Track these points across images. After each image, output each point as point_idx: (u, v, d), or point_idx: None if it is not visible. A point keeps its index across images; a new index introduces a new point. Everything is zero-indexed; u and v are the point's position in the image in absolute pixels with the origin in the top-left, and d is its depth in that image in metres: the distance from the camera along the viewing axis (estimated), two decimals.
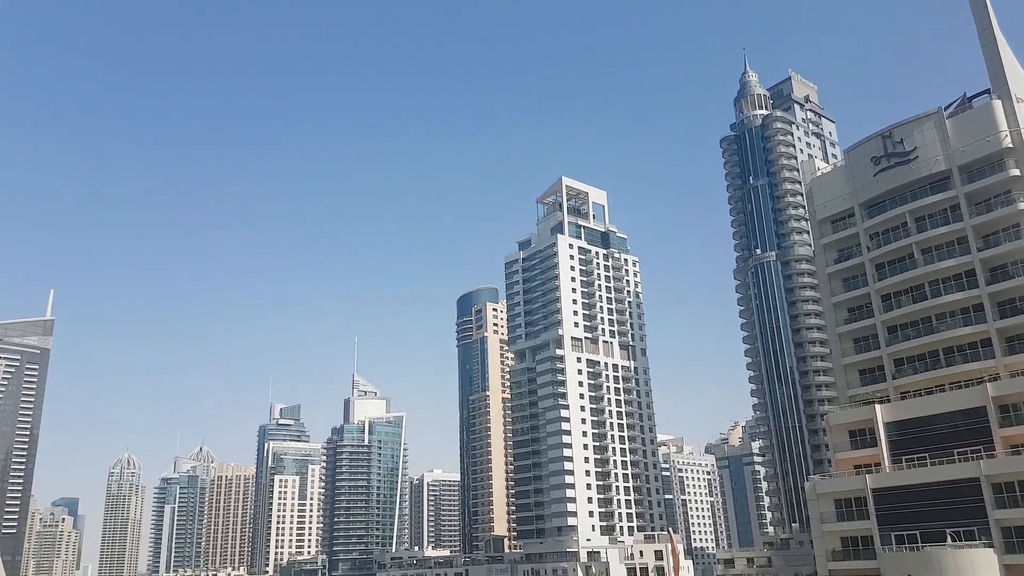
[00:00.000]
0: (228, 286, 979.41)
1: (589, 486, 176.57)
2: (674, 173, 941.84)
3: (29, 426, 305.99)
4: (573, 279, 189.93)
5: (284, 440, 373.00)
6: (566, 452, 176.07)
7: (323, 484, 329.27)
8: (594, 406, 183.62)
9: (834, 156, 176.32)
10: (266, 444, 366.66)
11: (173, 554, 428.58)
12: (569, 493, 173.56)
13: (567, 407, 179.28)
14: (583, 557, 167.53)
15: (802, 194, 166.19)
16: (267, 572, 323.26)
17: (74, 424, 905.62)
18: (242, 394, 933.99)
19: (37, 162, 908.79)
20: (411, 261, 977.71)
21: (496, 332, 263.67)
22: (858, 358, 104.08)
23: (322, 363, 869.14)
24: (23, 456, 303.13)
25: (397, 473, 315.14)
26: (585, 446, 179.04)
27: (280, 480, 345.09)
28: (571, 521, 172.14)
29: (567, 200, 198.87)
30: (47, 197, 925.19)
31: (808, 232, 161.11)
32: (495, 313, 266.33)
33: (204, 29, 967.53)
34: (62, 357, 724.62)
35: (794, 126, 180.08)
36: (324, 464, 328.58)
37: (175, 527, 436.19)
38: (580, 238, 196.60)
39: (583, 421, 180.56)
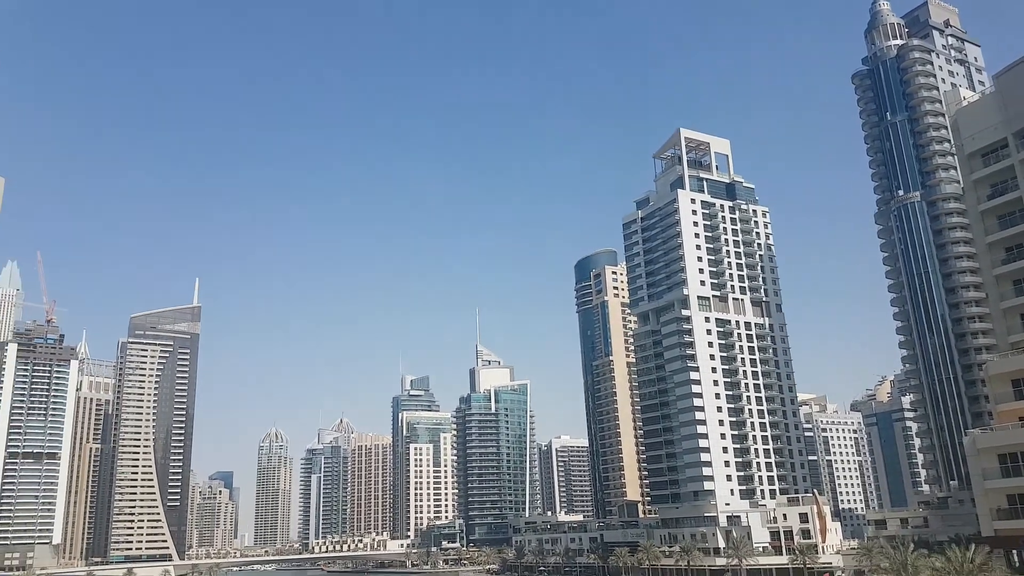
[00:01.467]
0: (356, 265, 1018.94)
1: (725, 449, 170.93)
2: (803, 116, 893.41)
3: (185, 406, 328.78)
4: (697, 235, 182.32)
5: (416, 410, 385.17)
6: (698, 415, 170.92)
7: (455, 451, 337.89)
8: (726, 367, 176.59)
9: (981, 83, 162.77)
10: (400, 414, 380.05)
11: (321, 521, 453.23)
12: (704, 457, 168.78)
13: (697, 369, 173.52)
14: (722, 521, 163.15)
15: (946, 127, 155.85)
16: (409, 536, 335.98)
17: (224, 403, 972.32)
18: (375, 367, 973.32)
19: (177, 162, 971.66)
20: (527, 228, 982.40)
21: (617, 295, 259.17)
22: (1019, 301, 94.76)
23: (446, 334, 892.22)
24: (181, 434, 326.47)
25: (525, 440, 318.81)
26: (719, 408, 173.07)
27: (415, 448, 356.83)
28: (708, 485, 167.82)
29: (686, 152, 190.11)
30: (188, 191, 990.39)
31: (955, 168, 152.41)
32: (615, 276, 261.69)
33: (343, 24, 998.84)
34: (209, 341, 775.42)
35: (933, 54, 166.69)
36: (455, 432, 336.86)
37: (322, 496, 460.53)
38: (702, 191, 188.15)
39: (715, 383, 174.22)
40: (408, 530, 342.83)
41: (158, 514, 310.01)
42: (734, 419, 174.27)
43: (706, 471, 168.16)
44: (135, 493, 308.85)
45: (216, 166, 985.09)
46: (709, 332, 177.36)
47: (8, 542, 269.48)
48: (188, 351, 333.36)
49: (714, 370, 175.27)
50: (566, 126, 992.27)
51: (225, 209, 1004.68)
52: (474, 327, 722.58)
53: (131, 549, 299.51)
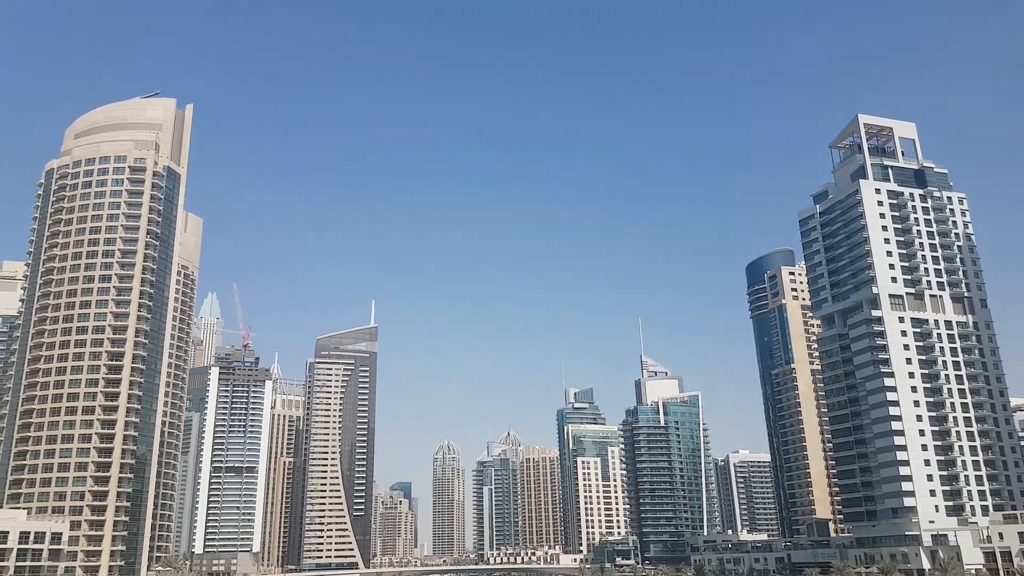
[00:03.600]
0: (517, 278, 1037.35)
1: (928, 462, 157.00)
2: (1001, 88, 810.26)
3: (367, 420, 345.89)
4: (884, 228, 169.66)
5: (581, 423, 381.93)
6: (895, 425, 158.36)
7: (624, 466, 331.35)
8: (925, 371, 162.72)
9: None
10: (565, 427, 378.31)
11: (495, 532, 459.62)
12: (903, 471, 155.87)
13: (891, 375, 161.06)
14: (927, 541, 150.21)
15: None
16: (581, 551, 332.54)
17: (400, 416, 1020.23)
18: (538, 380, 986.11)
19: (353, 191, 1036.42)
20: (689, 232, 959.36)
21: (796, 298, 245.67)
22: None
23: (608, 346, 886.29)
24: (364, 447, 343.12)
25: (699, 454, 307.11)
26: (918, 417, 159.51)
27: (583, 462, 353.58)
28: (908, 502, 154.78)
29: (867, 140, 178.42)
30: (363, 217, 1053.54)
31: None
32: (792, 277, 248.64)
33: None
34: (386, 359, 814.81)
35: None
36: (622, 446, 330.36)
37: (494, 507, 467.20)
38: (888, 180, 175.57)
39: (913, 389, 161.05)
40: (580, 544, 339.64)
41: (345, 524, 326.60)
42: (936, 428, 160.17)
43: (906, 486, 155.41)
44: (324, 504, 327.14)
45: (388, 192, 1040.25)
46: (904, 333, 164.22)
47: (215, 549, 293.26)
48: (368, 369, 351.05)
49: (911, 375, 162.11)
50: (726, 119, 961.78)
51: (398, 235, 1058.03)
52: (636, 338, 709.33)
53: (321, 557, 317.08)
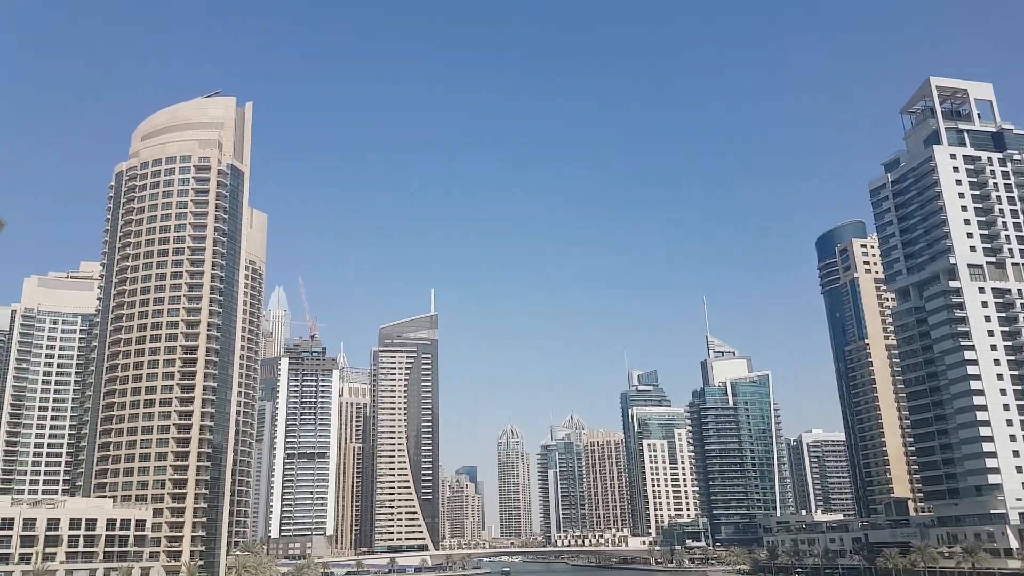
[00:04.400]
0: (577, 262, 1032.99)
1: (1013, 437, 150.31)
2: (1003, 85, 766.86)
3: (431, 405, 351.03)
4: (961, 195, 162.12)
5: (646, 406, 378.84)
6: (977, 400, 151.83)
7: (691, 448, 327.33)
8: (1008, 342, 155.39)
9: None
10: (629, 410, 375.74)
11: (561, 515, 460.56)
12: (987, 447, 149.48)
13: (972, 348, 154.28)
14: (1014, 519, 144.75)
15: None
16: (649, 533, 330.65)
17: (463, 401, 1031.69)
18: (600, 362, 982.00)
19: (410, 184, 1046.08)
20: (753, 206, 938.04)
21: (869, 271, 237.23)
22: None
23: (671, 327, 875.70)
24: (430, 432, 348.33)
25: (770, 435, 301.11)
26: (1002, 391, 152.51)
27: (648, 444, 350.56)
28: (993, 479, 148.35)
29: (940, 103, 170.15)
30: (422, 209, 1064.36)
31: None
32: (864, 250, 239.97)
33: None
34: (447, 346, 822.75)
35: None
36: (689, 428, 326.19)
37: (559, 490, 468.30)
38: (963, 144, 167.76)
39: (996, 362, 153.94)
40: (648, 527, 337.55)
41: (414, 507, 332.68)
42: (1022, 402, 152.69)
43: (990, 463, 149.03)
44: (393, 488, 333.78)
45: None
46: (985, 304, 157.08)
47: (290, 533, 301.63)
48: (429, 356, 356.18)
49: (994, 347, 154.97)
50: (791, 89, 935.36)
51: (455, 221, 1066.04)
52: (701, 318, 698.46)
53: (392, 540, 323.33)
